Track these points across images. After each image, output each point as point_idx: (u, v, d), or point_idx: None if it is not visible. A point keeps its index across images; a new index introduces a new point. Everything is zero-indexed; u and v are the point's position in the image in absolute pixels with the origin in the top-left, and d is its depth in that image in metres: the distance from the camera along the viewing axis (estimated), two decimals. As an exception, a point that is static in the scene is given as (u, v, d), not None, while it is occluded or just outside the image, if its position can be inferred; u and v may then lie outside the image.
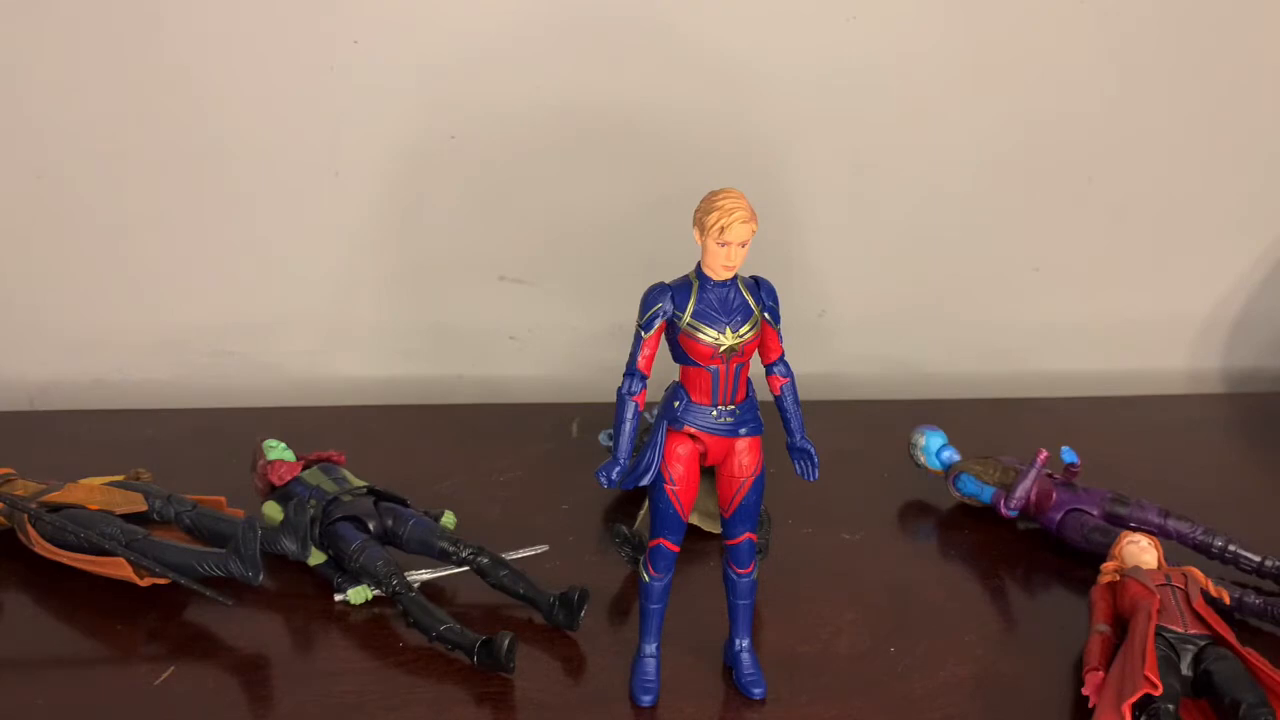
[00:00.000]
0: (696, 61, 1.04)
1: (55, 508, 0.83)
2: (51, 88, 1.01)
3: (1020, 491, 0.88)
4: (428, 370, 1.14)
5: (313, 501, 0.83)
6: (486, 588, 0.80)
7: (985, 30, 1.05)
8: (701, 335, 0.66)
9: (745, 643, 0.73)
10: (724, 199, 0.64)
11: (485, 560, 0.80)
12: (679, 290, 0.66)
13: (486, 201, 1.08)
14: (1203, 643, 0.72)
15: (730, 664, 0.74)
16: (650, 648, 0.72)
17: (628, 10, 1.02)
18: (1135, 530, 0.84)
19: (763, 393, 0.70)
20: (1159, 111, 1.09)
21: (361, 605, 0.80)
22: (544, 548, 0.86)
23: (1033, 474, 0.89)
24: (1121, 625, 0.75)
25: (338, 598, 0.81)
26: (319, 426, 1.01)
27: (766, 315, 0.68)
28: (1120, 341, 1.17)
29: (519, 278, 1.11)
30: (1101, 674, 0.71)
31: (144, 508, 0.85)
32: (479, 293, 1.11)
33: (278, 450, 0.88)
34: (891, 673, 0.75)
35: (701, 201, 0.65)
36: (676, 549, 0.70)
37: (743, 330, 0.66)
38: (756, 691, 0.72)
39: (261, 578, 0.77)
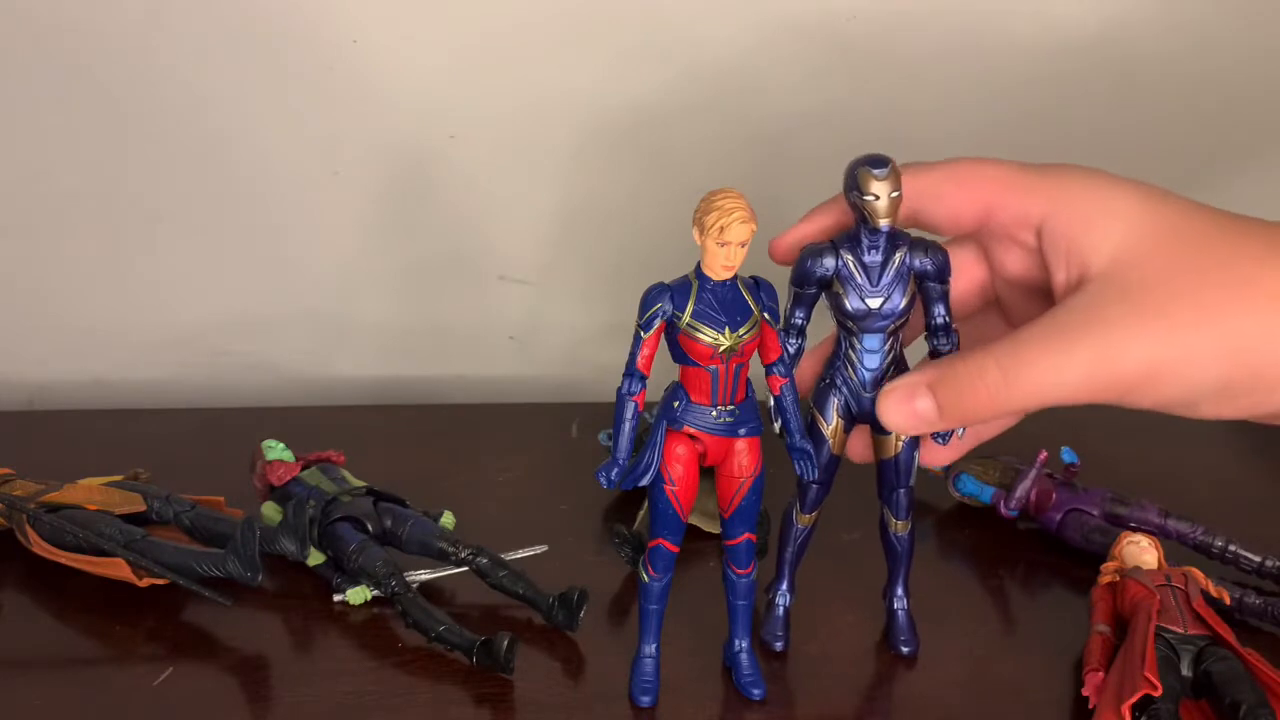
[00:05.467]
0: (696, 61, 1.04)
1: (54, 508, 0.83)
2: (50, 87, 1.01)
3: (1020, 491, 0.88)
4: (428, 370, 1.14)
5: (312, 502, 0.83)
6: (486, 588, 0.80)
7: (983, 31, 1.05)
8: (701, 335, 0.66)
9: (745, 643, 0.73)
10: (723, 199, 0.64)
11: (484, 560, 0.80)
12: (678, 290, 0.66)
13: (486, 201, 1.08)
14: (1203, 643, 0.71)
15: (730, 664, 0.74)
16: (650, 648, 0.72)
17: (628, 10, 1.02)
18: (1135, 530, 0.84)
19: (762, 393, 0.70)
20: (1158, 110, 1.09)
21: (360, 605, 0.80)
22: (543, 548, 0.86)
23: (1033, 474, 0.89)
24: (1122, 625, 0.75)
25: (336, 598, 0.80)
26: (318, 426, 1.01)
27: (766, 315, 0.67)
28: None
29: (519, 278, 1.11)
30: (1101, 674, 0.71)
31: (143, 508, 0.84)
32: (479, 293, 1.11)
33: (277, 450, 0.88)
34: (891, 673, 0.75)
35: (701, 202, 0.65)
36: (676, 549, 0.70)
37: (742, 331, 0.66)
38: (756, 692, 0.72)
39: (260, 578, 0.77)
